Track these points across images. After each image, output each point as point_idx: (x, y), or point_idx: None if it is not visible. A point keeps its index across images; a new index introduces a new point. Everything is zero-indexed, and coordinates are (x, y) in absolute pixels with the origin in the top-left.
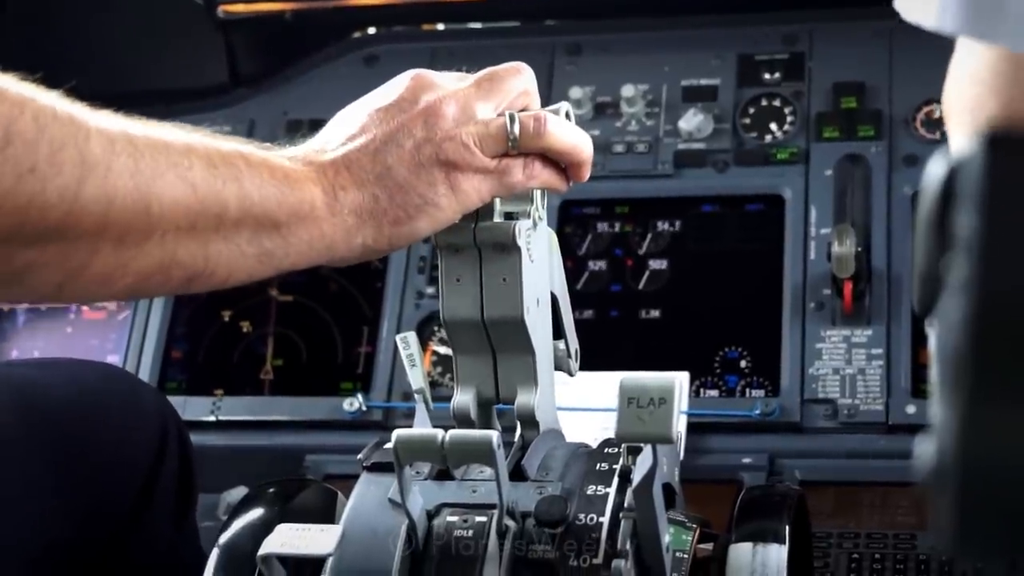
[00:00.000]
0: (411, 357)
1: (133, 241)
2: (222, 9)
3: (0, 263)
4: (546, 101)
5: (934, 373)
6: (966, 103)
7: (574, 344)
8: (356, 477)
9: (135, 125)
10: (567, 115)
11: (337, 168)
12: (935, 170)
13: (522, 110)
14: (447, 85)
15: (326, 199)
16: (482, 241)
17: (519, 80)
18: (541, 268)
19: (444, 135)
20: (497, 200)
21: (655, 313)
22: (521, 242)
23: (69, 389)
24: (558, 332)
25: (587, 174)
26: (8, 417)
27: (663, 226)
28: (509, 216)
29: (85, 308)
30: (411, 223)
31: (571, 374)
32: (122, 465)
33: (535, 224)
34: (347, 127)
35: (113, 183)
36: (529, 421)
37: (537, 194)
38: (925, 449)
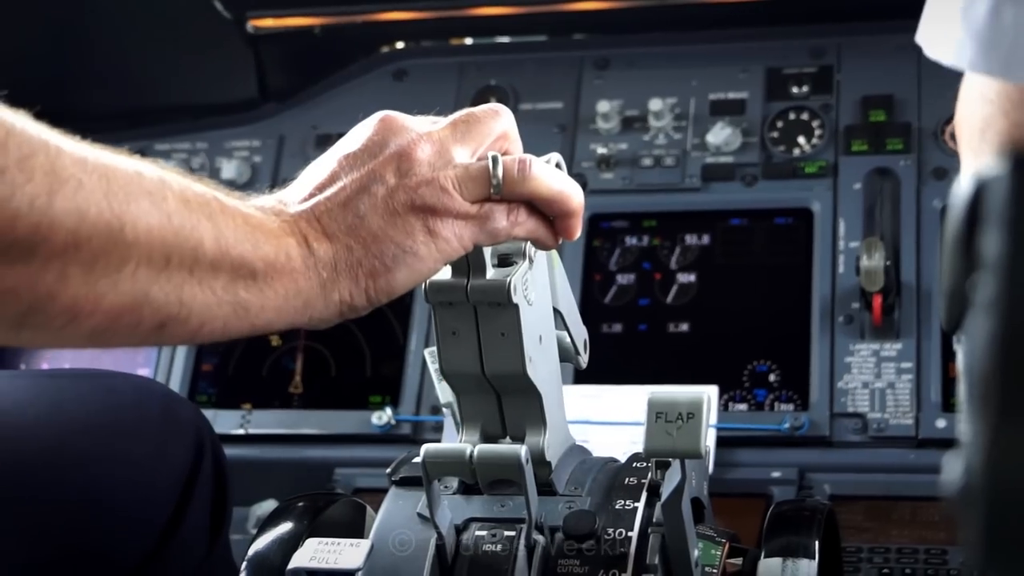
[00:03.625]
0: (439, 371)
1: (104, 268)
2: (252, 24)
3: None
4: (574, 115)
5: (962, 390)
6: (977, 122)
7: (582, 335)
8: (385, 491)
9: (105, 152)
10: (557, 166)
11: (308, 220)
12: (962, 190)
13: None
14: (419, 127)
15: (301, 251)
16: (476, 300)
17: (498, 122)
18: (541, 304)
19: (420, 180)
20: (488, 250)
21: (684, 327)
22: (518, 298)
23: (104, 401)
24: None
25: (578, 228)
26: (43, 428)
27: (691, 240)
28: (503, 258)
29: None
30: (388, 275)
31: (580, 367)
32: (157, 480)
33: (531, 261)
34: (316, 177)
35: (86, 198)
36: (540, 461)
37: None
38: (953, 465)
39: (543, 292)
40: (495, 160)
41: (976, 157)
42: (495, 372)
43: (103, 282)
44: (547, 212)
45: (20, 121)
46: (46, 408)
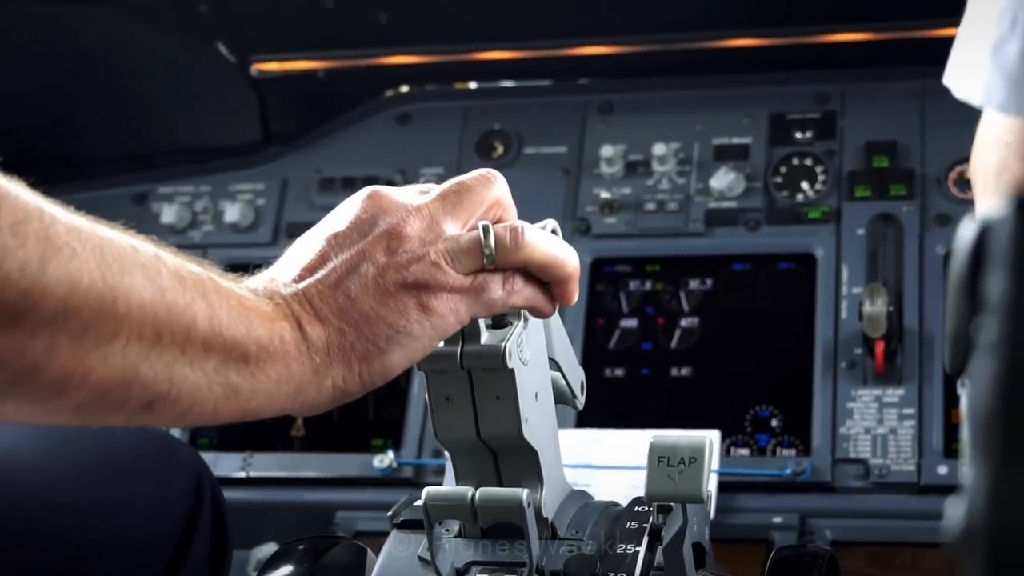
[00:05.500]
0: None
1: (94, 340)
2: (255, 67)
3: None
4: (578, 160)
5: (965, 433)
6: (992, 165)
7: (579, 378)
8: (386, 534)
9: (100, 225)
10: (553, 232)
11: (300, 302)
12: (966, 232)
13: (496, 222)
14: (408, 202)
15: (294, 336)
16: (471, 365)
17: (490, 190)
18: (537, 361)
19: (410, 257)
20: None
21: (686, 371)
22: (513, 362)
23: (102, 445)
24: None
25: (575, 293)
26: (40, 473)
27: (694, 284)
28: (497, 318)
29: None
30: (383, 357)
31: (577, 409)
32: (156, 524)
33: (525, 320)
34: (304, 257)
35: (79, 267)
36: (537, 517)
37: None
38: (955, 511)
39: (538, 348)
40: (486, 230)
41: (991, 200)
42: (491, 435)
43: (93, 355)
44: (543, 278)
45: (14, 188)
46: (42, 452)
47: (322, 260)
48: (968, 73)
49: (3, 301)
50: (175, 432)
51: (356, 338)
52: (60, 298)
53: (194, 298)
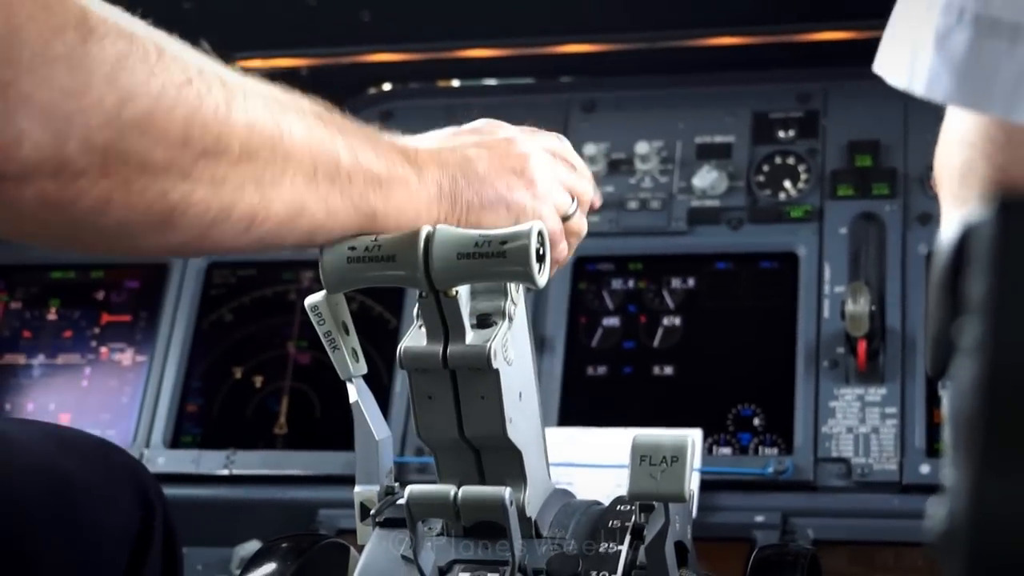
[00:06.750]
0: (329, 336)
1: (271, 179)
2: (239, 65)
3: (157, 201)
4: None
5: (947, 435)
6: (957, 167)
7: None
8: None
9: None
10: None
11: (419, 151)
12: (947, 235)
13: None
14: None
15: (412, 169)
16: (455, 366)
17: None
18: (521, 360)
19: (529, 164)
20: (466, 312)
21: (668, 370)
22: (498, 363)
23: (51, 448)
24: None
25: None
26: None
27: (677, 283)
28: (482, 318)
29: (103, 352)
30: (483, 212)
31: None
32: (104, 542)
33: (510, 320)
34: (426, 141)
35: (253, 107)
36: (520, 517)
37: (511, 288)
38: (937, 511)
39: (522, 347)
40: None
41: (957, 203)
42: (475, 435)
43: (270, 191)
44: None
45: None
46: None
47: (442, 140)
48: (907, 60)
49: (203, 145)
50: (159, 428)
51: (467, 188)
52: (243, 138)
53: (334, 132)
